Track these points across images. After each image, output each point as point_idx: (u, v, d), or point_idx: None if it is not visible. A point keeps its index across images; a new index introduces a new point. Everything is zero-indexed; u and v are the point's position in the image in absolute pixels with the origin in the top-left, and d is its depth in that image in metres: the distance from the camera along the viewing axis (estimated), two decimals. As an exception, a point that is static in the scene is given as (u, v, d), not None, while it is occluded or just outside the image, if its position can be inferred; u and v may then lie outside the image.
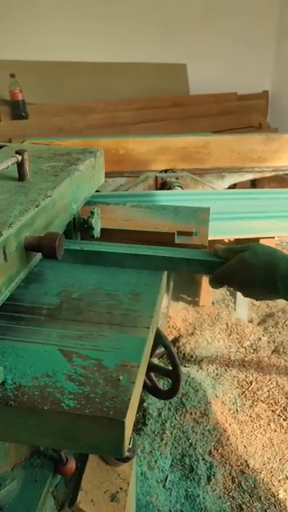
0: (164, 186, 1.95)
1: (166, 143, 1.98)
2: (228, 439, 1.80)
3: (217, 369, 2.09)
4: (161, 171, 2.01)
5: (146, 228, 0.97)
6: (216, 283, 0.86)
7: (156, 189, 1.98)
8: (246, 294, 0.86)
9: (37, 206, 0.71)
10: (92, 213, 0.90)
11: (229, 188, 2.15)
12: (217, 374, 2.06)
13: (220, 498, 1.60)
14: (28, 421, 0.54)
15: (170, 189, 1.90)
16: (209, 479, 1.65)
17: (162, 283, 0.84)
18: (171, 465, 1.68)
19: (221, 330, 2.32)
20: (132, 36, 4.17)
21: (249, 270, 0.78)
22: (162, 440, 1.75)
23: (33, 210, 0.70)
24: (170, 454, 1.72)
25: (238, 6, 4.69)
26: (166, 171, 2.02)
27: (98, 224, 0.92)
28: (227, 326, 2.35)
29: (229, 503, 1.58)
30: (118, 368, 0.60)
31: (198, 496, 1.59)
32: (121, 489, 0.98)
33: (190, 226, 1.00)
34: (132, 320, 0.70)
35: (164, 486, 1.59)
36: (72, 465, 0.92)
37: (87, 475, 0.94)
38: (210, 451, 1.75)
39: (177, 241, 0.95)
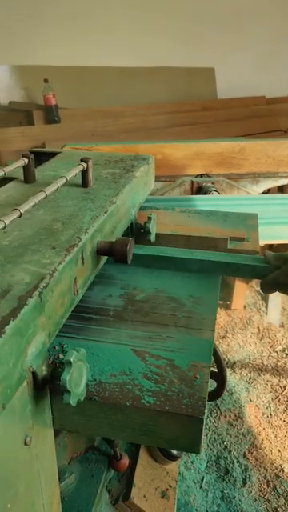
0: (200, 190, 1.97)
1: (201, 148, 2.00)
2: (262, 443, 1.81)
3: (250, 372, 2.10)
4: (196, 176, 2.03)
5: (198, 233, 1.00)
6: (269, 288, 0.88)
7: (192, 192, 2.00)
8: None
9: (105, 213, 0.75)
10: (149, 218, 0.93)
11: (263, 193, 2.16)
12: (250, 378, 2.07)
13: (255, 500, 1.61)
14: (110, 415, 0.58)
15: (206, 193, 1.92)
16: (244, 482, 1.66)
17: (219, 287, 0.86)
18: (207, 466, 1.70)
19: (252, 334, 2.33)
20: (160, 40, 4.21)
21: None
22: (196, 441, 1.77)
23: (102, 216, 0.74)
24: (206, 455, 1.74)
25: (266, 10, 4.70)
26: (201, 176, 2.04)
27: (154, 229, 0.95)
28: (259, 330, 2.35)
29: (264, 506, 1.60)
30: (189, 368, 0.63)
31: (234, 498, 1.60)
32: (170, 486, 1.01)
33: (241, 231, 1.03)
34: (196, 322, 0.73)
35: (201, 486, 1.61)
36: (125, 461, 0.95)
37: (139, 472, 0.97)
38: (245, 454, 1.76)
39: (229, 246, 0.98)
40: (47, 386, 0.54)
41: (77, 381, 0.52)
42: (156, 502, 0.97)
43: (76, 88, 3.75)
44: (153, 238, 0.95)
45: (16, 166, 0.84)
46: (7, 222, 0.59)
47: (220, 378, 1.10)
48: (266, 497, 1.63)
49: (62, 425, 0.59)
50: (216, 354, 1.08)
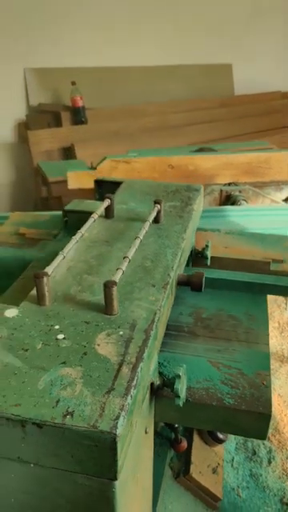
0: (228, 198, 2.15)
1: (230, 159, 2.17)
2: (284, 427, 2.02)
3: (272, 364, 2.30)
4: (225, 184, 2.21)
5: (244, 256, 1.19)
6: None
7: (220, 200, 2.18)
8: None
9: (180, 249, 0.94)
10: (206, 246, 1.12)
11: (286, 200, 2.33)
12: (272, 369, 2.27)
13: (280, 478, 1.84)
14: (199, 411, 0.78)
15: (234, 202, 2.10)
16: (269, 461, 1.88)
17: (267, 305, 1.06)
18: (236, 448, 1.92)
19: (273, 328, 2.53)
20: (180, 39, 4.32)
21: None
22: (226, 426, 1.99)
23: (179, 252, 0.93)
24: (234, 438, 1.96)
25: (282, 6, 4.77)
26: (229, 184, 2.21)
27: (209, 254, 1.14)
28: (279, 324, 2.55)
29: (287, 482, 1.82)
30: (255, 375, 0.83)
31: (261, 475, 1.83)
32: (218, 464, 1.22)
33: (279, 253, 1.22)
34: (254, 337, 0.93)
35: (232, 465, 1.84)
36: (184, 444, 1.16)
37: (194, 452, 1.18)
38: (269, 437, 1.98)
39: (272, 267, 1.17)
40: (159, 392, 0.74)
41: (182, 388, 0.72)
42: (209, 477, 1.18)
43: (101, 88, 3.89)
44: (209, 261, 1.14)
45: (104, 207, 1.03)
46: (124, 268, 0.78)
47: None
48: (288, 474, 1.85)
49: (161, 418, 0.80)
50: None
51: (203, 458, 1.19)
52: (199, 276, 0.89)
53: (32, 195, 3.59)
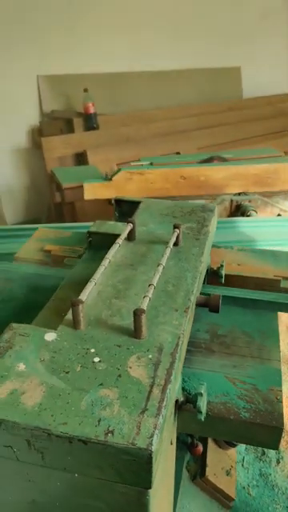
0: (239, 208, 2.23)
1: (239, 170, 2.25)
2: (292, 429, 2.11)
3: (280, 367, 2.38)
4: (235, 194, 2.29)
5: (256, 274, 1.27)
6: None
7: (231, 210, 2.26)
8: None
9: (199, 272, 1.03)
10: (221, 266, 1.21)
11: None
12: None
13: (288, 477, 1.93)
14: (218, 424, 0.87)
15: (244, 212, 2.18)
16: (278, 461, 1.98)
17: (277, 321, 1.14)
18: (246, 448, 2.01)
19: (281, 332, 2.61)
20: (189, 42, 4.37)
21: None
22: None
23: (198, 275, 1.01)
24: (244, 439, 2.05)
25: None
26: (239, 194, 2.29)
27: (224, 273, 1.23)
28: (287, 328, 2.63)
29: (295, 481, 1.91)
30: (268, 391, 0.91)
31: (270, 475, 1.92)
32: (232, 466, 1.32)
33: (289, 270, 1.30)
34: (266, 353, 1.02)
35: (242, 465, 1.93)
36: (200, 448, 1.25)
37: (210, 455, 1.28)
38: (277, 438, 2.07)
39: (282, 285, 1.25)
40: (182, 407, 0.83)
41: (204, 404, 0.81)
42: (223, 479, 1.27)
43: (112, 93, 3.97)
44: (223, 280, 1.22)
45: (127, 231, 1.11)
46: (150, 295, 0.86)
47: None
48: (296, 474, 1.94)
49: (183, 430, 0.89)
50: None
51: (217, 461, 1.28)
52: (216, 299, 0.97)
53: (46, 200, 3.69)
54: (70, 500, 0.70)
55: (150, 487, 0.63)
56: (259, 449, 2.02)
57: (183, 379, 0.90)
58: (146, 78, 4.20)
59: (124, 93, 4.04)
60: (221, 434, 0.88)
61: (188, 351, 1.02)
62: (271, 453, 2.01)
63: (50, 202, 3.43)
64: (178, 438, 1.29)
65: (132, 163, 2.64)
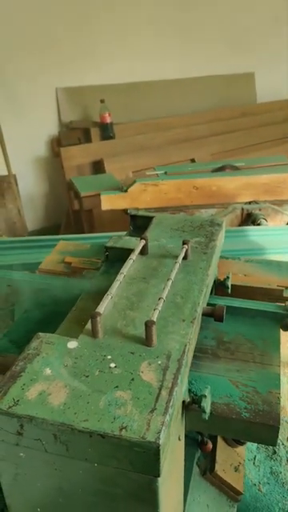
0: (249, 216, 2.32)
1: (250, 180, 2.33)
2: (302, 429, 2.19)
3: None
4: (246, 203, 2.38)
5: (261, 284, 1.36)
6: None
7: (242, 218, 2.35)
8: None
9: (206, 286, 1.13)
10: (228, 277, 1.30)
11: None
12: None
13: (298, 475, 2.01)
14: (221, 423, 0.97)
15: (255, 220, 2.27)
16: (288, 460, 2.06)
17: (279, 330, 1.24)
18: (257, 447, 2.10)
19: (283, 334, 2.68)
20: (202, 50, 4.46)
21: None
22: (248, 427, 2.17)
23: (204, 289, 1.12)
24: (256, 438, 2.14)
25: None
26: (250, 203, 2.38)
27: (230, 283, 1.32)
28: None
29: (305, 480, 1.99)
30: (267, 394, 1.01)
31: (281, 473, 2.00)
32: (240, 463, 1.41)
33: (293, 280, 1.39)
34: (268, 359, 1.11)
35: (254, 463, 2.02)
36: (210, 445, 1.35)
37: (219, 452, 1.38)
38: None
39: (285, 294, 1.34)
40: (189, 407, 0.93)
41: (208, 405, 0.91)
42: (231, 474, 1.37)
43: (127, 103, 4.09)
44: (229, 290, 1.32)
45: (140, 247, 1.22)
46: (160, 308, 0.97)
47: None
48: (306, 472, 2.02)
49: (191, 428, 0.99)
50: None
51: (226, 458, 1.38)
52: (221, 310, 1.08)
53: (64, 207, 3.84)
54: (90, 486, 0.81)
55: (158, 475, 0.74)
56: (270, 448, 2.11)
57: (190, 382, 1.01)
58: (161, 86, 4.30)
59: (139, 102, 4.15)
60: (224, 432, 0.99)
61: (196, 357, 1.12)
62: (282, 452, 2.09)
63: (69, 208, 3.57)
64: (188, 436, 1.39)
65: (147, 173, 2.75)
